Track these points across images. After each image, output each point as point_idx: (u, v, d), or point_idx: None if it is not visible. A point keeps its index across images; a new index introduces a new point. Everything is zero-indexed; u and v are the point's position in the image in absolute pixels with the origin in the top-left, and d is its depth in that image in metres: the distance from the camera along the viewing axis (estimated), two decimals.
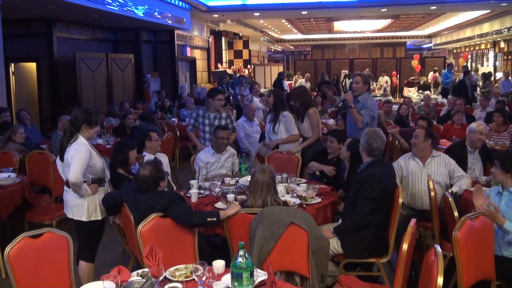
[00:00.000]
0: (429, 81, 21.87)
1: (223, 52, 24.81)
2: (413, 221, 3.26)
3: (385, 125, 7.87)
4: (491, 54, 24.18)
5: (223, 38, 24.39)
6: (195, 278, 2.89)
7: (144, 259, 2.93)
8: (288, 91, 15.81)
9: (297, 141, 6.31)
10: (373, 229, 4.12)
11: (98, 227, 4.36)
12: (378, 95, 18.52)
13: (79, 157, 4.03)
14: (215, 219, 3.84)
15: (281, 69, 26.22)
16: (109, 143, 7.98)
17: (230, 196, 4.51)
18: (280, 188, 4.53)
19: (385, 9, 17.92)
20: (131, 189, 4.03)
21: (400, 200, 4.13)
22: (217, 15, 17.97)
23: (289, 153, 6.10)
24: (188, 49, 17.02)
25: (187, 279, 3.00)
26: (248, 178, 4.77)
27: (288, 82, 20.94)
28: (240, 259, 2.71)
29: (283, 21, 23.92)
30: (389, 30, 30.39)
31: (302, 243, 3.57)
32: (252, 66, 25.72)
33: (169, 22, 13.97)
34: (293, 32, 30.17)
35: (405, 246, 3.10)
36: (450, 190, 4.30)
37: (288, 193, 4.67)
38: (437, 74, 20.65)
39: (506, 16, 19.36)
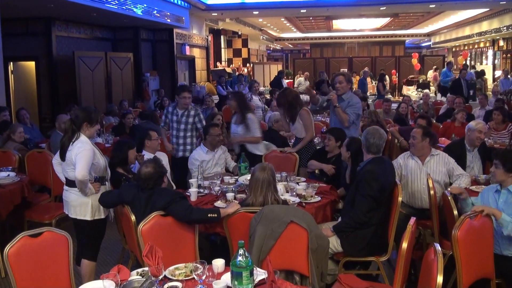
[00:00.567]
0: (428, 79, 21.87)
1: (222, 50, 24.79)
2: (412, 220, 3.26)
3: (384, 124, 7.87)
4: (490, 53, 24.21)
5: (222, 37, 24.37)
6: (195, 277, 2.90)
7: (144, 258, 2.93)
8: None
9: (259, 143, 6.35)
10: (372, 228, 4.12)
11: (101, 226, 4.40)
12: (376, 93, 18.47)
13: (84, 154, 4.06)
14: (215, 215, 3.87)
15: (280, 67, 26.23)
16: (108, 142, 7.98)
17: (230, 195, 4.52)
18: (280, 186, 4.53)
19: (384, 8, 17.91)
20: (133, 189, 4.03)
21: (400, 199, 4.13)
22: (216, 14, 17.95)
23: (285, 152, 6.12)
24: (187, 47, 17.00)
25: (187, 278, 3.00)
26: (248, 177, 4.78)
27: (287, 81, 20.95)
28: (240, 258, 2.71)
29: (282, 19, 23.90)
30: (388, 28, 30.39)
31: (301, 242, 3.57)
32: (251, 65, 25.71)
33: (168, 20, 13.95)
34: (292, 30, 30.16)
35: (404, 245, 3.11)
36: (449, 189, 4.29)
37: (287, 191, 4.68)
38: (437, 72, 20.64)
39: (505, 14, 19.37)
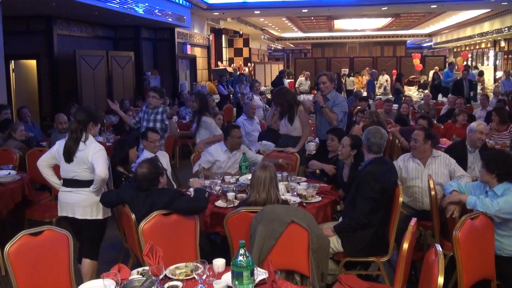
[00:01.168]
0: (429, 80, 21.83)
1: (224, 50, 24.81)
2: (413, 221, 3.26)
3: (385, 124, 7.87)
4: (491, 53, 24.18)
5: (223, 36, 24.39)
6: (196, 276, 2.89)
7: (145, 257, 2.93)
8: None
9: (220, 140, 6.33)
10: (373, 228, 4.12)
11: (106, 224, 4.44)
12: (378, 94, 18.47)
13: (102, 153, 4.15)
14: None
15: (281, 67, 26.24)
16: (109, 140, 7.98)
17: (230, 195, 4.52)
18: (280, 186, 4.53)
19: (386, 8, 17.89)
20: (132, 189, 4.03)
21: (401, 199, 4.12)
22: (217, 13, 17.94)
23: (287, 152, 6.11)
24: (188, 47, 16.99)
25: (187, 278, 3.00)
26: (248, 176, 4.78)
27: (289, 80, 20.94)
28: (240, 258, 2.71)
29: (284, 19, 23.90)
30: (390, 28, 30.36)
31: (302, 242, 3.57)
32: (252, 64, 25.71)
33: (170, 19, 13.95)
34: (293, 30, 30.14)
35: (405, 245, 3.10)
36: (448, 200, 4.23)
37: (288, 191, 4.68)
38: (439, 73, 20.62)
39: (507, 15, 19.35)
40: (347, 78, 21.51)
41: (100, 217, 4.28)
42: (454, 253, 3.42)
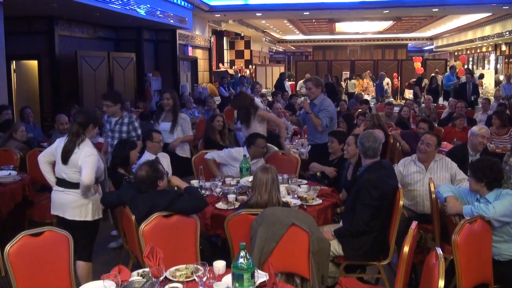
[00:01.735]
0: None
1: (225, 52, 24.81)
2: (414, 224, 3.26)
3: (386, 127, 7.86)
4: (492, 57, 24.20)
5: (224, 38, 24.39)
6: (196, 278, 2.89)
7: (145, 259, 2.92)
8: (289, 92, 15.84)
9: (192, 141, 6.55)
10: (374, 234, 4.09)
11: (97, 225, 4.42)
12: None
13: (92, 159, 4.13)
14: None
15: (282, 69, 26.24)
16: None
17: (231, 197, 4.52)
18: (281, 189, 4.52)
19: (387, 11, 17.92)
20: (132, 190, 4.03)
21: (401, 202, 4.11)
22: (219, 15, 17.97)
23: (286, 154, 6.15)
24: (189, 48, 17.01)
25: (187, 280, 3.00)
26: (249, 178, 4.77)
27: (290, 83, 20.94)
28: (241, 260, 2.70)
29: (285, 21, 23.93)
30: (391, 31, 30.38)
31: (303, 245, 3.57)
32: (254, 67, 25.71)
33: (171, 21, 13.97)
34: (294, 32, 30.18)
35: (406, 249, 3.10)
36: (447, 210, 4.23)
37: (289, 194, 4.67)
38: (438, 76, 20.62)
39: (508, 19, 19.36)
40: (348, 81, 21.51)
41: (89, 218, 4.27)
42: (453, 257, 3.42)
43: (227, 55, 25.44)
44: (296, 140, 7.85)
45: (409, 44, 35.51)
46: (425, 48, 39.13)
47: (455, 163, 5.09)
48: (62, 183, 4.26)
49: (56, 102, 11.39)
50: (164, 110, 6.68)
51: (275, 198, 3.91)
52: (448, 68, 20.21)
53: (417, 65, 23.28)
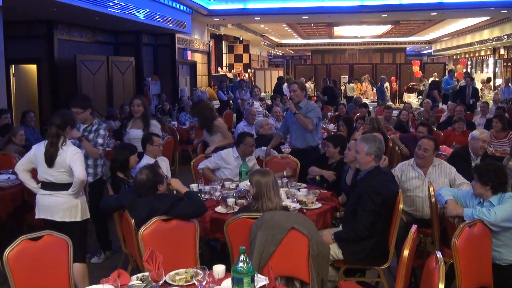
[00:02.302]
0: (426, 87, 21.86)
1: (224, 56, 24.85)
2: (414, 228, 3.26)
3: (385, 131, 7.87)
4: (490, 61, 24.25)
5: (223, 42, 24.44)
6: (195, 282, 2.89)
7: (145, 263, 2.92)
8: (288, 96, 15.86)
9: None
10: (374, 238, 4.08)
11: (87, 226, 4.52)
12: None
13: (79, 157, 4.28)
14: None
15: (281, 73, 26.29)
16: (109, 145, 7.96)
17: (230, 200, 4.51)
18: (281, 192, 4.52)
19: (386, 15, 17.94)
20: (131, 194, 4.03)
21: (401, 206, 4.11)
22: (218, 19, 17.98)
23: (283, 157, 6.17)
24: (188, 52, 17.03)
25: (187, 284, 2.99)
26: (248, 182, 4.76)
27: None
28: (241, 264, 2.70)
29: (284, 25, 23.95)
30: (389, 35, 30.44)
31: (302, 248, 3.56)
32: (252, 70, 25.75)
33: (170, 25, 13.98)
34: (293, 36, 30.21)
35: (406, 253, 3.10)
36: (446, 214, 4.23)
37: (288, 197, 4.67)
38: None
39: (506, 23, 19.41)
40: (347, 84, 21.54)
41: (78, 219, 4.35)
42: (453, 261, 3.42)
43: (226, 59, 25.48)
44: None
45: (408, 48, 35.57)
46: (424, 52, 39.20)
47: (460, 164, 5.07)
48: (49, 186, 4.32)
49: (55, 106, 11.37)
50: (133, 117, 6.34)
51: (279, 204, 3.93)
52: (446, 71, 20.25)
53: (416, 68, 23.34)
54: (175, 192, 4.27)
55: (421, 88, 21.50)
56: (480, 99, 15.12)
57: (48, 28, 11.18)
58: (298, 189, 4.98)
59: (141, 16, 12.05)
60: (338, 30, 27.56)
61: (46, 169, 4.28)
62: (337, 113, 12.23)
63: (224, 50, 24.85)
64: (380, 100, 17.44)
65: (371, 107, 14.24)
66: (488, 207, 3.80)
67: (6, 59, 8.41)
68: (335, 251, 4.10)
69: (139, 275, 3.10)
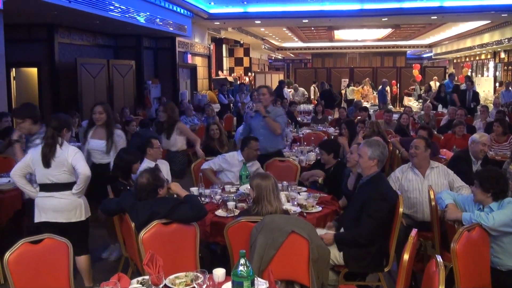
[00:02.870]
0: (433, 91, 21.82)
1: (224, 59, 24.87)
2: (414, 231, 3.25)
3: (385, 135, 7.86)
4: (491, 64, 24.26)
5: (224, 46, 24.46)
6: (195, 286, 2.88)
7: (145, 266, 2.92)
8: (289, 99, 15.87)
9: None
10: (377, 245, 4.05)
11: (88, 223, 4.64)
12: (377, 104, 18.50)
13: (80, 154, 4.42)
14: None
15: (281, 77, 26.30)
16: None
17: (231, 204, 4.51)
18: (281, 196, 4.52)
19: (386, 19, 17.97)
20: (131, 197, 4.03)
21: (401, 210, 4.10)
22: (218, 23, 18.03)
23: (287, 161, 6.17)
24: (189, 56, 17.06)
25: (187, 287, 2.99)
26: (249, 186, 4.76)
27: (289, 90, 20.98)
28: (241, 268, 2.70)
29: (284, 29, 23.99)
30: (390, 39, 30.46)
31: (302, 252, 3.56)
32: (253, 74, 25.77)
33: (171, 29, 14.01)
34: (293, 40, 30.25)
35: (406, 257, 3.10)
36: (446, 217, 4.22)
37: (288, 201, 4.67)
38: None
39: (507, 26, 19.43)
40: (347, 88, 21.55)
41: (83, 218, 4.48)
42: (453, 265, 3.41)
43: (226, 63, 25.50)
44: (296, 148, 7.86)
45: (408, 52, 35.61)
46: (424, 56, 39.22)
47: (461, 167, 5.08)
48: (49, 187, 4.35)
49: (56, 109, 11.38)
50: (94, 125, 5.71)
51: (279, 208, 3.93)
52: (447, 75, 20.24)
53: (416, 72, 23.35)
54: (175, 195, 4.27)
55: (413, 92, 21.47)
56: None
57: (49, 31, 11.21)
58: (298, 193, 4.98)
59: (141, 19, 12.08)
60: (339, 34, 27.58)
61: (46, 171, 4.31)
62: (337, 116, 12.25)
63: (224, 54, 24.87)
64: (381, 104, 17.44)
65: (371, 110, 14.24)
66: (488, 213, 3.79)
67: (7, 62, 8.42)
68: (336, 256, 4.07)
69: (139, 278, 3.10)
